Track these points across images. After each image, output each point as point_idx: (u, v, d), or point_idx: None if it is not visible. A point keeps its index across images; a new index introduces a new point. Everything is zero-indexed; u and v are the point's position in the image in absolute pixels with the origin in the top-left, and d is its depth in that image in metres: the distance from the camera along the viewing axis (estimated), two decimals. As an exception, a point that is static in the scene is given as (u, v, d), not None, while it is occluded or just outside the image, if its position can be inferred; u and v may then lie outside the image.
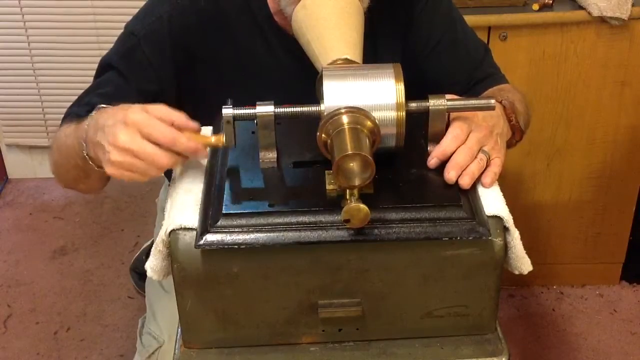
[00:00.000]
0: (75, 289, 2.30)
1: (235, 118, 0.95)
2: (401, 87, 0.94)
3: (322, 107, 0.94)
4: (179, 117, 0.96)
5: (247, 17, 1.22)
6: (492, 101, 0.99)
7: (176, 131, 0.94)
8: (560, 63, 1.89)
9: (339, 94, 0.93)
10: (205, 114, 1.04)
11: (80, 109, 1.14)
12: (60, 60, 2.62)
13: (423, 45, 1.28)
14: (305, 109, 0.96)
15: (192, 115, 0.98)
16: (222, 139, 0.97)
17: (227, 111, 0.95)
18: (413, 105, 0.96)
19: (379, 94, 0.94)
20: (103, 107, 1.02)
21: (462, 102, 1.00)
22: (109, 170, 0.96)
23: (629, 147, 2.01)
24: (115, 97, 1.07)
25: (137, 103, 0.98)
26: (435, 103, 0.97)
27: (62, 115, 1.19)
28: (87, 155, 1.01)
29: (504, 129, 1.07)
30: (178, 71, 1.21)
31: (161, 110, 0.95)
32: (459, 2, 1.62)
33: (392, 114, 0.94)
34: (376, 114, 0.93)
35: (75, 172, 1.10)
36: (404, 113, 0.94)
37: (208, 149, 1.01)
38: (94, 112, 1.02)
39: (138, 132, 0.93)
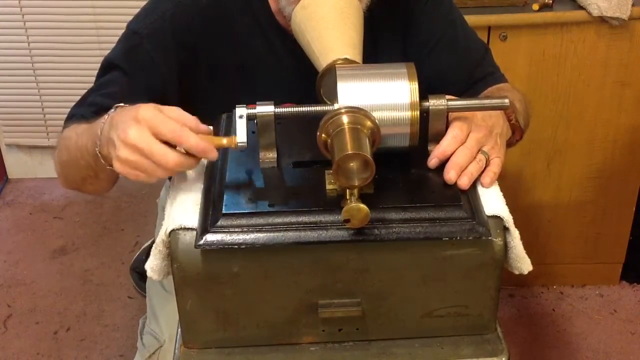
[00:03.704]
0: (75, 289, 2.30)
1: (250, 118, 0.95)
2: (415, 86, 0.94)
3: (336, 106, 0.94)
4: (191, 120, 0.94)
5: (249, 16, 1.23)
6: (506, 100, 0.99)
7: (185, 129, 0.92)
8: (560, 63, 1.89)
9: (353, 94, 0.94)
10: (206, 112, 1.04)
11: (85, 110, 1.14)
12: (60, 60, 2.62)
13: (423, 45, 1.28)
14: (319, 108, 0.96)
15: (193, 114, 0.97)
16: (234, 140, 0.95)
17: (241, 111, 0.95)
18: (427, 104, 0.96)
19: (393, 94, 0.94)
20: (121, 106, 1.00)
21: (477, 101, 1.01)
22: (117, 166, 0.95)
23: (629, 147, 2.01)
24: (120, 97, 1.06)
25: (141, 102, 0.98)
26: (448, 102, 0.98)
27: (62, 115, 1.19)
28: (99, 152, 1.01)
29: (504, 128, 1.07)
30: (180, 70, 1.21)
31: (174, 111, 0.94)
32: (459, 2, 1.62)
33: (406, 114, 0.94)
34: (390, 114, 0.93)
35: (85, 171, 1.10)
36: (417, 112, 0.94)
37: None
38: (111, 111, 1.00)
39: (148, 129, 0.92)
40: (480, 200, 0.96)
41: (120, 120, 0.96)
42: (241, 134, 0.94)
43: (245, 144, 0.95)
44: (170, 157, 0.92)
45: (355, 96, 0.94)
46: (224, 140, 0.95)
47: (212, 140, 0.95)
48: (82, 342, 2.11)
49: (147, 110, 0.93)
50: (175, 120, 0.93)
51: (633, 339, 2.09)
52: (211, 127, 0.96)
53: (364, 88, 0.94)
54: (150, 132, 0.92)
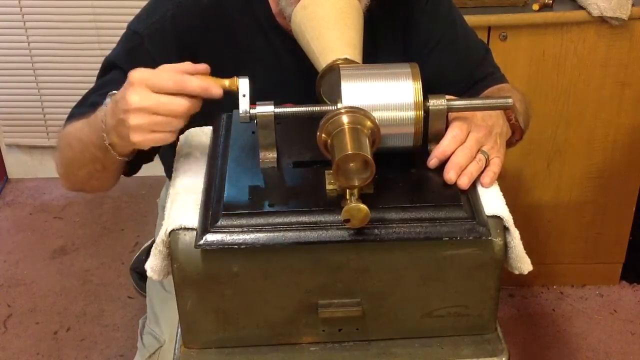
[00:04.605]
0: (75, 289, 2.30)
1: (250, 118, 0.95)
2: (419, 86, 0.94)
3: (340, 106, 0.94)
4: (185, 64, 0.95)
5: (249, 16, 1.23)
6: (509, 100, 1.00)
7: (184, 74, 0.92)
8: (560, 63, 1.89)
9: (357, 93, 0.94)
10: (206, 112, 1.04)
11: (85, 109, 1.14)
12: (60, 60, 2.62)
13: (423, 45, 1.28)
14: (319, 108, 0.96)
15: (194, 114, 0.97)
16: (236, 82, 0.95)
17: (244, 89, 0.95)
18: (427, 104, 0.96)
19: (397, 94, 0.94)
20: (114, 93, 1.01)
21: (479, 101, 1.02)
22: (134, 138, 0.94)
23: (629, 147, 2.01)
24: None
25: None
26: (452, 102, 0.98)
27: (62, 115, 1.19)
28: (109, 144, 1.00)
29: (504, 128, 1.07)
30: None
31: (165, 66, 0.95)
32: (459, 2, 1.62)
33: (410, 114, 0.94)
34: (394, 114, 0.93)
35: (91, 165, 1.09)
36: (422, 112, 0.94)
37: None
38: (107, 100, 1.01)
39: (147, 87, 0.92)
40: (480, 200, 0.96)
41: (116, 99, 0.96)
42: (244, 105, 0.94)
43: (247, 115, 0.94)
44: (181, 103, 0.92)
45: (359, 96, 0.94)
46: (226, 82, 0.95)
47: (212, 80, 0.95)
48: (82, 342, 2.11)
49: (138, 72, 0.93)
50: (170, 71, 0.93)
51: (633, 339, 2.09)
52: (207, 66, 0.96)
53: (367, 88, 0.94)
54: (150, 90, 0.92)
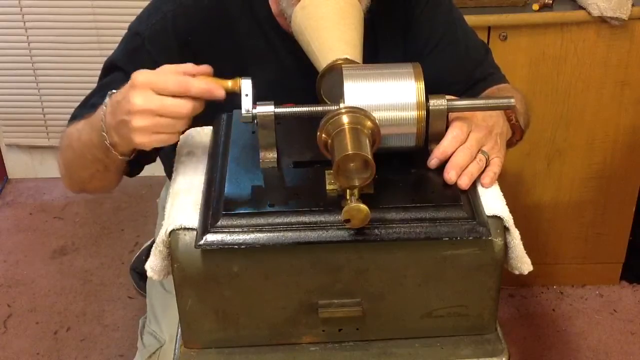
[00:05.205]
0: (75, 289, 2.30)
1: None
2: (421, 86, 0.94)
3: (336, 106, 0.94)
4: (187, 65, 0.96)
5: (249, 17, 1.23)
6: (512, 100, 1.00)
7: (187, 76, 0.94)
8: (560, 63, 1.89)
9: (360, 93, 0.94)
10: (207, 112, 1.04)
11: (87, 111, 1.14)
12: (60, 60, 2.62)
13: (423, 45, 1.28)
14: (319, 108, 0.96)
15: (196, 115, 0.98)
16: (238, 82, 0.96)
17: (247, 89, 0.95)
18: (428, 104, 0.96)
19: (400, 93, 0.94)
20: (113, 92, 1.01)
21: (482, 101, 1.02)
22: (137, 139, 0.95)
23: (629, 147, 2.01)
24: None
25: None
26: (455, 102, 0.98)
27: (63, 115, 1.19)
28: (109, 144, 1.01)
29: (504, 128, 1.07)
30: None
31: (167, 67, 0.96)
32: (459, 2, 1.62)
33: (412, 114, 0.94)
34: (397, 114, 0.93)
35: (93, 166, 1.10)
36: (424, 112, 0.94)
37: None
38: (106, 100, 1.01)
39: (151, 90, 0.93)
40: (480, 200, 0.96)
41: (117, 99, 0.97)
42: (246, 105, 0.95)
43: (250, 114, 0.95)
44: (184, 105, 0.93)
45: (361, 96, 0.94)
46: (229, 83, 0.96)
47: (216, 81, 0.96)
48: (82, 342, 2.11)
49: (142, 74, 0.94)
50: (172, 72, 0.94)
51: (633, 339, 2.09)
52: (210, 67, 0.97)
53: (370, 88, 0.94)
54: (154, 92, 0.93)
